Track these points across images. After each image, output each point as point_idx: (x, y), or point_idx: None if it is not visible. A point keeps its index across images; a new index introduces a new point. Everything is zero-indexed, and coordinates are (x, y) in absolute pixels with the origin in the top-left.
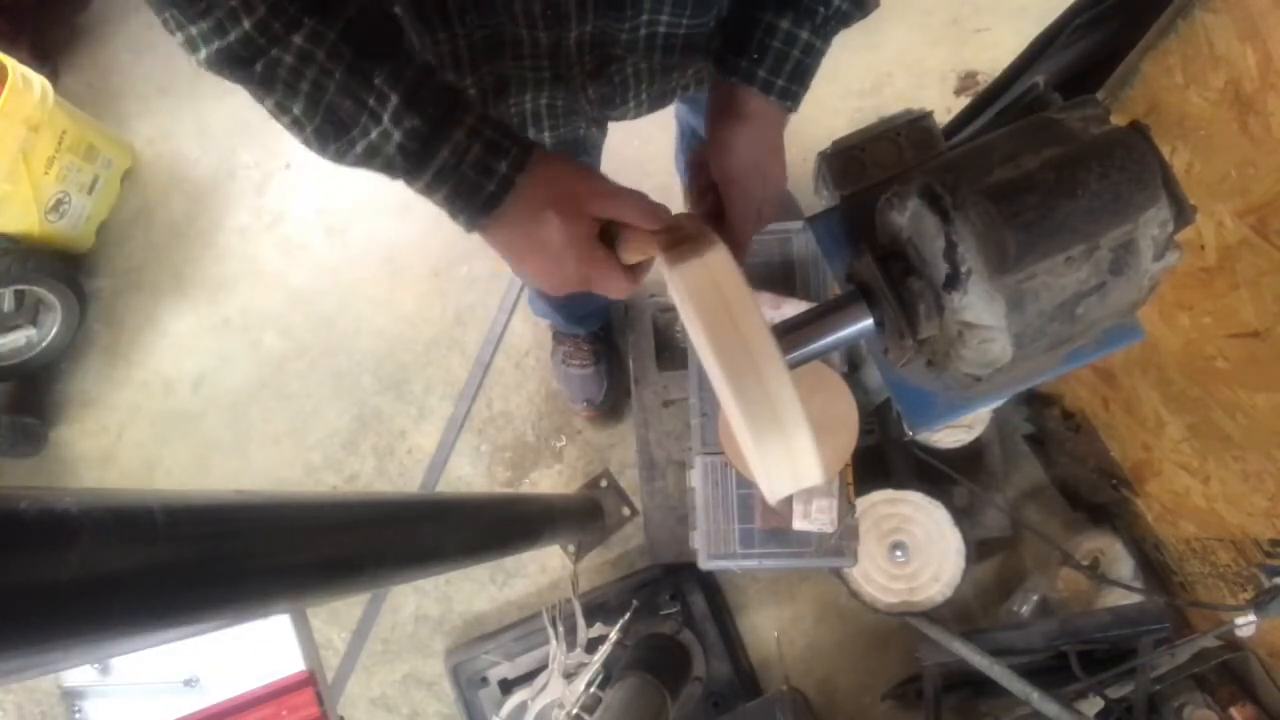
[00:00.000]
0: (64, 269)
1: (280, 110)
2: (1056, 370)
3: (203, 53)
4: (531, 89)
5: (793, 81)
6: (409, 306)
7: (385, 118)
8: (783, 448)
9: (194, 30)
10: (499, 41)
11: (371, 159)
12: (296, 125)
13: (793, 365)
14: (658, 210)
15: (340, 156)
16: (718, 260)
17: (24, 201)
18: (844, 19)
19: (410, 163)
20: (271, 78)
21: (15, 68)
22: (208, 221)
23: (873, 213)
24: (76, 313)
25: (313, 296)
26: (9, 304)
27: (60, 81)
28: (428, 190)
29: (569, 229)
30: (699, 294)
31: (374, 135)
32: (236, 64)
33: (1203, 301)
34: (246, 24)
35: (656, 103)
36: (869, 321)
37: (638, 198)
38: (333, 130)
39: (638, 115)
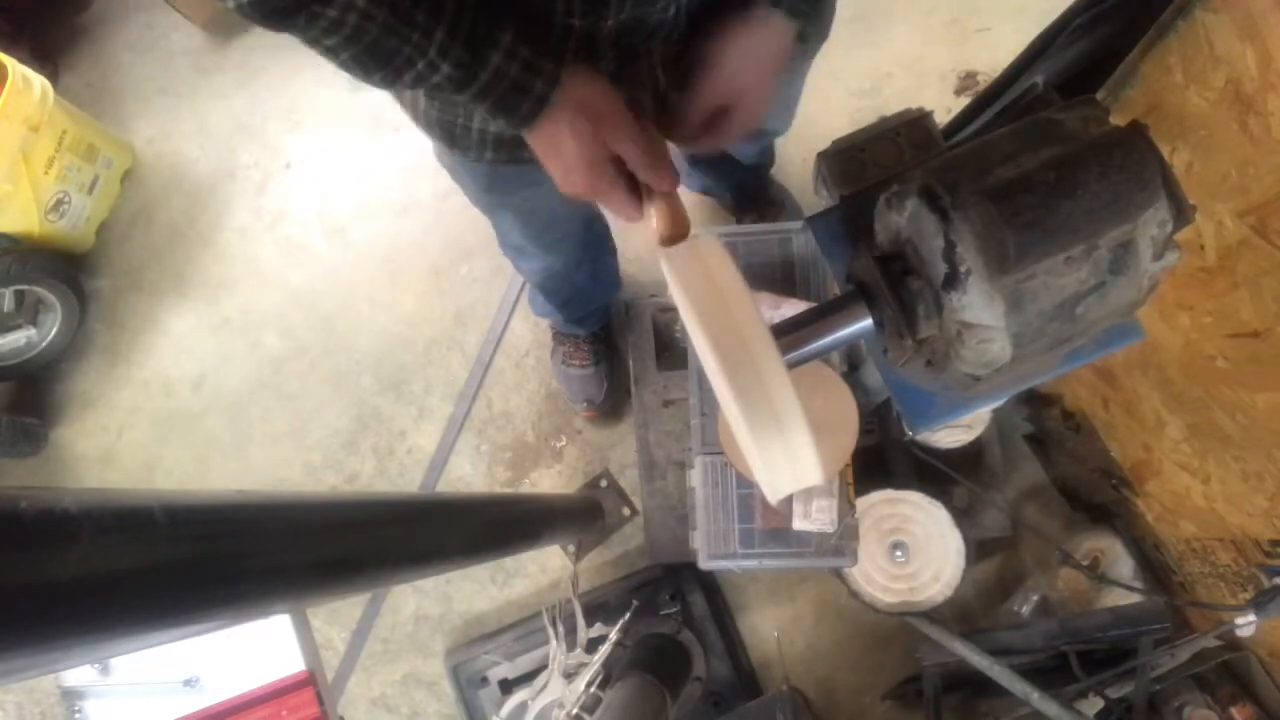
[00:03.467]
0: (64, 269)
1: (329, 53)
2: (1056, 370)
3: (246, 4)
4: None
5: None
6: (409, 306)
7: (431, 51)
8: (782, 446)
9: None
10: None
11: (419, 84)
12: (345, 66)
13: (792, 365)
14: (656, 164)
15: (388, 84)
16: (710, 250)
17: (24, 201)
18: None
19: (455, 86)
20: (312, 25)
21: (15, 68)
22: (208, 221)
23: (872, 213)
24: (76, 313)
25: (313, 296)
26: (9, 304)
27: (60, 81)
28: (473, 103)
29: (582, 147)
30: (692, 284)
31: (420, 66)
32: (283, 15)
33: (1203, 301)
34: None
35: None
36: (868, 321)
37: (643, 145)
38: (378, 65)
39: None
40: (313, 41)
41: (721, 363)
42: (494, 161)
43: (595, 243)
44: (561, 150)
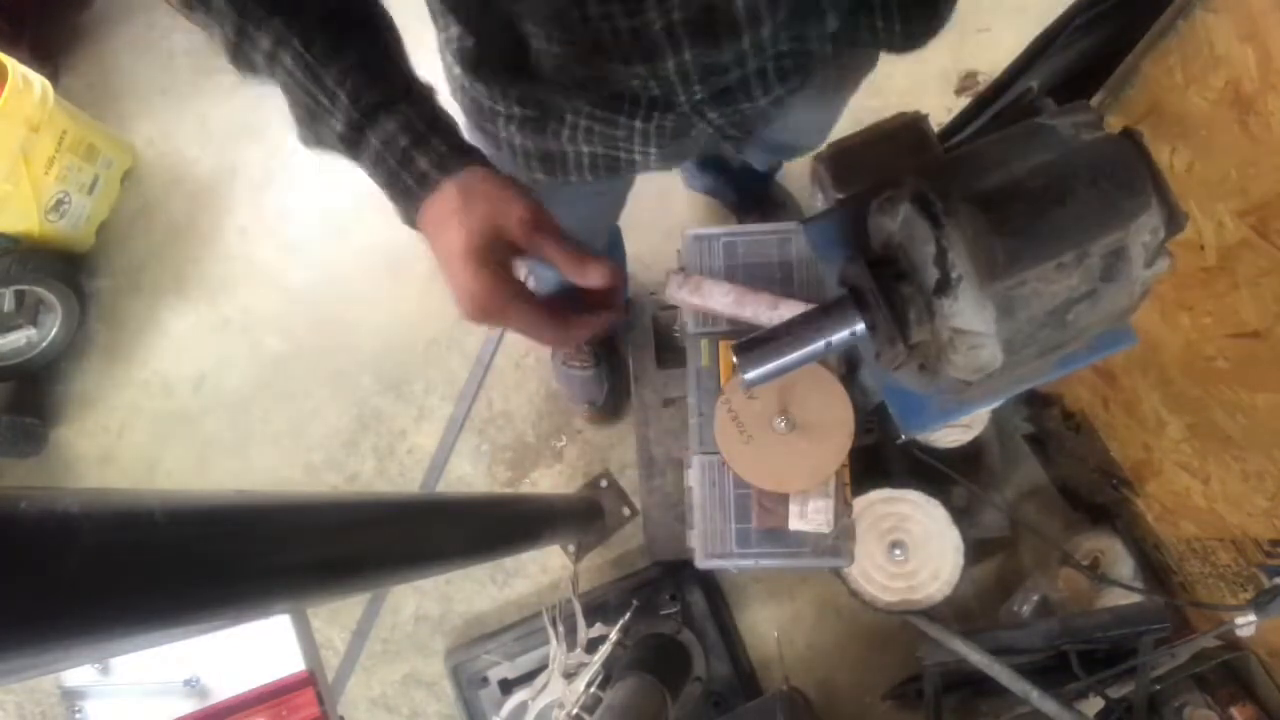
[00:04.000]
0: (64, 269)
1: (285, 101)
2: (1048, 375)
3: (217, 42)
4: (644, 110)
5: None
6: (409, 306)
7: (337, 112)
8: None
9: (208, 34)
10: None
11: (331, 147)
12: (290, 113)
13: (786, 369)
14: (596, 266)
15: (309, 144)
16: None
17: (24, 201)
18: None
19: (348, 148)
20: (258, 73)
21: (15, 68)
22: (208, 221)
23: (866, 217)
24: (76, 313)
25: (313, 296)
26: (9, 304)
27: (60, 81)
28: (372, 179)
29: (477, 241)
30: None
31: (327, 126)
32: (235, 60)
33: (1203, 301)
34: (228, 28)
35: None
36: (860, 326)
37: (582, 252)
38: (305, 118)
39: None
40: (267, 84)
41: None
42: (527, 171)
43: (609, 246)
44: (445, 247)
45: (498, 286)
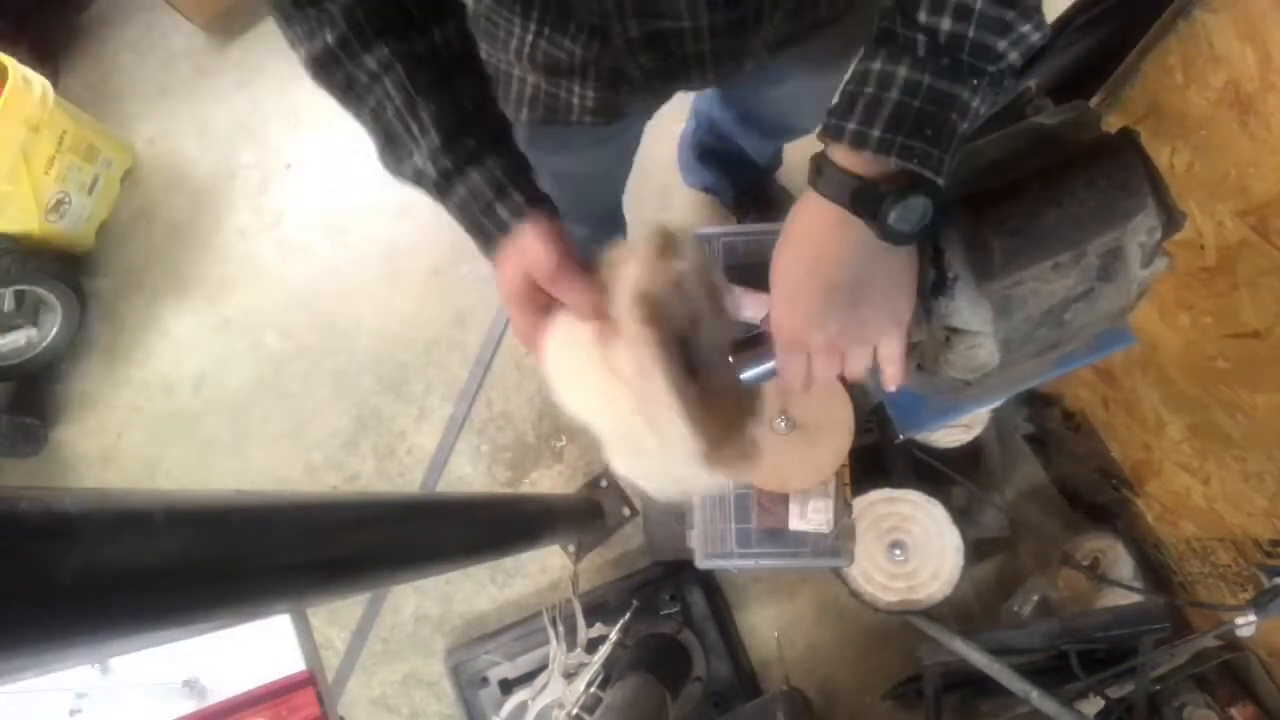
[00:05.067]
0: (64, 269)
1: (358, 119)
2: (1046, 375)
3: (299, 53)
4: (583, 40)
5: (873, 124)
6: (409, 306)
7: (426, 150)
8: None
9: (290, 34)
10: None
11: (416, 181)
12: (370, 134)
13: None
14: (588, 298)
15: (394, 171)
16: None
17: (24, 201)
18: (976, 52)
19: (438, 193)
20: (348, 89)
21: (15, 68)
22: (208, 221)
23: None
24: (77, 313)
25: (313, 296)
26: (9, 304)
27: (60, 81)
28: (455, 219)
29: (515, 287)
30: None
31: (416, 161)
32: (321, 69)
33: (1203, 301)
34: (329, 36)
35: (728, 79)
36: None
37: (579, 290)
38: (390, 147)
39: (705, 88)
40: (347, 104)
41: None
42: (531, 121)
43: (616, 229)
44: (501, 285)
45: (532, 329)
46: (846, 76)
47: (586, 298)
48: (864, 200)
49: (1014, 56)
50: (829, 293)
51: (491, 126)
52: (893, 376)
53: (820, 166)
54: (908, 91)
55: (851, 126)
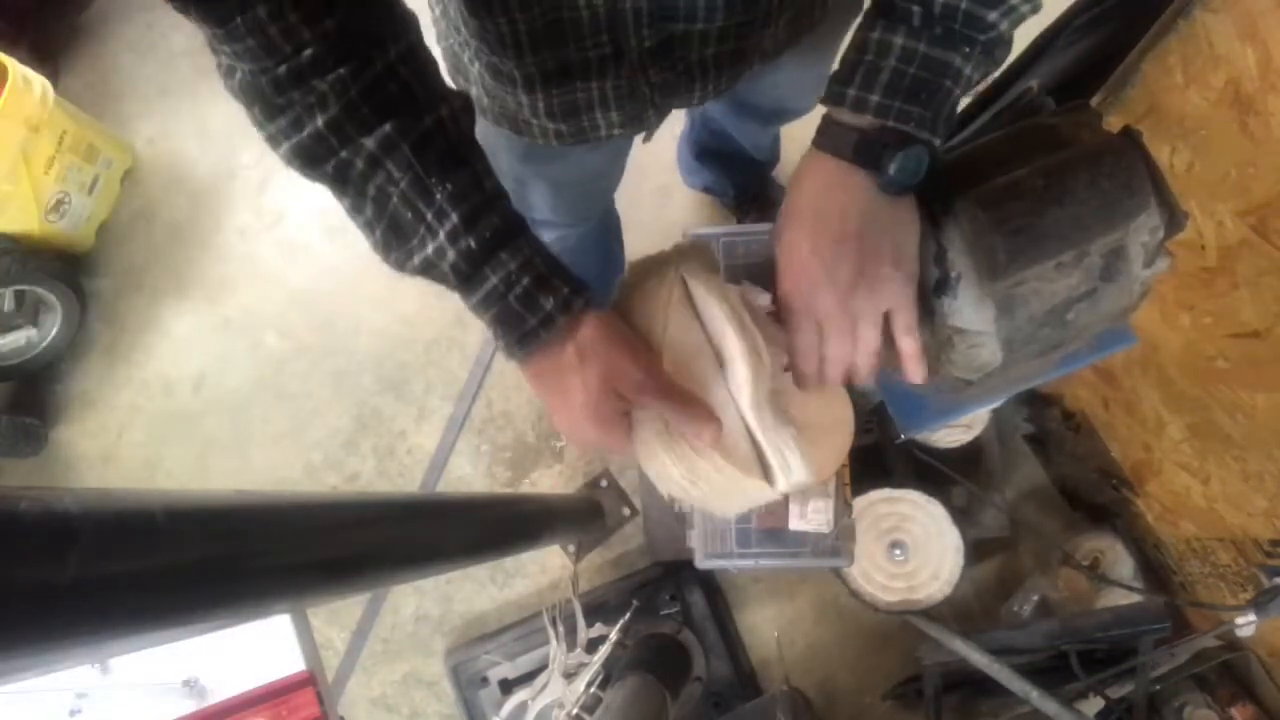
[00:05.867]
0: (64, 269)
1: (353, 212)
2: (1049, 374)
3: (282, 149)
4: (596, 74)
5: (872, 89)
6: (409, 306)
7: (442, 235)
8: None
9: (273, 127)
10: (558, 20)
11: (428, 271)
12: (367, 228)
13: (785, 368)
14: (708, 423)
15: (400, 266)
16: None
17: (24, 201)
18: (968, 21)
19: (461, 281)
20: (343, 179)
21: (15, 68)
22: (208, 221)
23: None
24: (76, 313)
25: (313, 296)
26: (9, 304)
27: (60, 81)
28: (476, 311)
29: (595, 398)
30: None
31: (430, 250)
32: (310, 161)
33: (1203, 301)
34: (320, 120)
35: (725, 90)
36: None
37: (692, 406)
38: (395, 238)
39: (703, 102)
40: (342, 196)
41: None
42: (560, 140)
43: (611, 230)
44: (568, 393)
45: (613, 438)
46: (845, 43)
47: (699, 409)
48: (865, 152)
49: (1005, 26)
50: (836, 244)
51: (514, 212)
52: (912, 355)
53: (822, 128)
54: (904, 59)
55: (851, 92)
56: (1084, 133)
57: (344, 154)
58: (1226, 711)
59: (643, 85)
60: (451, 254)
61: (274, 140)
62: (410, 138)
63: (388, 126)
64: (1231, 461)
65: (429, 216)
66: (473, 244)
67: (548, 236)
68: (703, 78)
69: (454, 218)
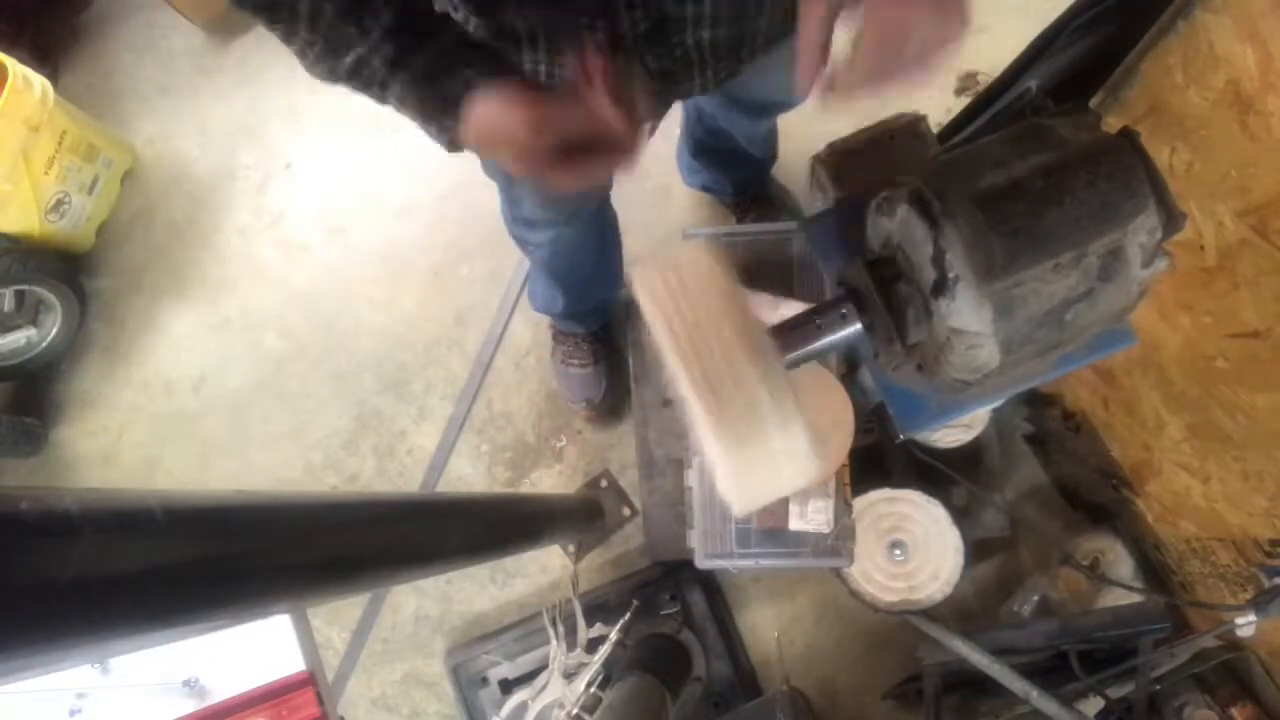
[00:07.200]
0: (64, 269)
1: (290, 38)
2: (1047, 375)
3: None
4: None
5: None
6: (409, 306)
7: (377, 34)
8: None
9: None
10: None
11: (354, 77)
12: (309, 61)
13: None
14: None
15: (331, 76)
16: (692, 261)
17: (24, 201)
18: None
19: (389, 68)
20: (290, 13)
21: (15, 68)
22: (208, 221)
23: (865, 216)
24: (76, 313)
25: (313, 296)
26: (9, 304)
27: (60, 81)
28: (405, 91)
29: (513, 135)
30: (682, 294)
31: (361, 50)
32: (259, 10)
33: (1203, 301)
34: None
35: (725, 80)
36: (858, 326)
37: (588, 116)
38: (329, 54)
39: (704, 91)
40: (281, 30)
41: (712, 381)
42: None
43: (606, 226)
44: (494, 115)
45: (553, 167)
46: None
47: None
48: None
49: None
50: None
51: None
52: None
53: None
54: None
55: None
56: (1083, 133)
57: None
58: (1226, 711)
59: (640, 70)
60: (377, 60)
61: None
62: None
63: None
64: (1231, 461)
65: (365, 24)
66: (400, 41)
67: (540, 236)
68: (700, 65)
69: (383, 21)
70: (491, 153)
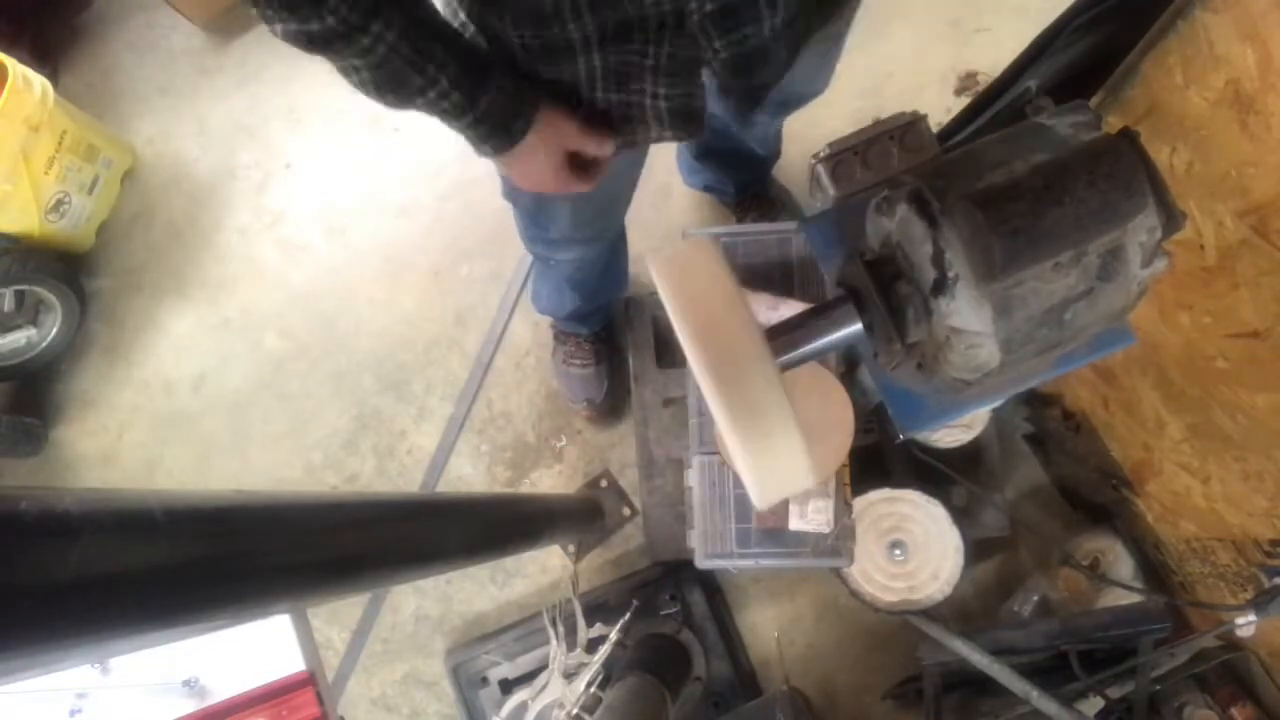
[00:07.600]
0: (64, 269)
1: (351, 72)
2: (1047, 374)
3: (279, 29)
4: (654, 37)
5: None
6: (409, 306)
7: (442, 85)
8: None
9: (280, 19)
10: None
11: (427, 111)
12: (362, 85)
13: (784, 368)
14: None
15: (397, 106)
16: (701, 251)
17: (24, 201)
18: None
19: (458, 111)
20: (347, 53)
21: (15, 68)
22: (208, 221)
23: (865, 216)
24: (76, 313)
25: (313, 296)
26: (9, 304)
27: (60, 81)
28: (469, 128)
29: (551, 159)
30: (683, 285)
31: (431, 94)
32: (317, 45)
33: (1203, 301)
34: (330, 20)
35: (784, 74)
36: (858, 326)
37: (598, 139)
38: (393, 88)
39: (767, 88)
40: (342, 65)
41: (710, 369)
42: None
43: (618, 247)
44: (535, 163)
45: (569, 179)
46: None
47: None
48: None
49: None
50: None
51: (490, 59)
52: None
53: None
54: None
55: None
56: (1083, 133)
57: (352, 36)
58: (1226, 711)
59: (709, 55)
60: (456, 95)
61: (270, 20)
62: (405, 14)
63: (387, 10)
64: (1231, 461)
65: (431, 70)
66: (467, 85)
67: (566, 255)
68: (762, 58)
69: (450, 71)
70: (545, 179)
